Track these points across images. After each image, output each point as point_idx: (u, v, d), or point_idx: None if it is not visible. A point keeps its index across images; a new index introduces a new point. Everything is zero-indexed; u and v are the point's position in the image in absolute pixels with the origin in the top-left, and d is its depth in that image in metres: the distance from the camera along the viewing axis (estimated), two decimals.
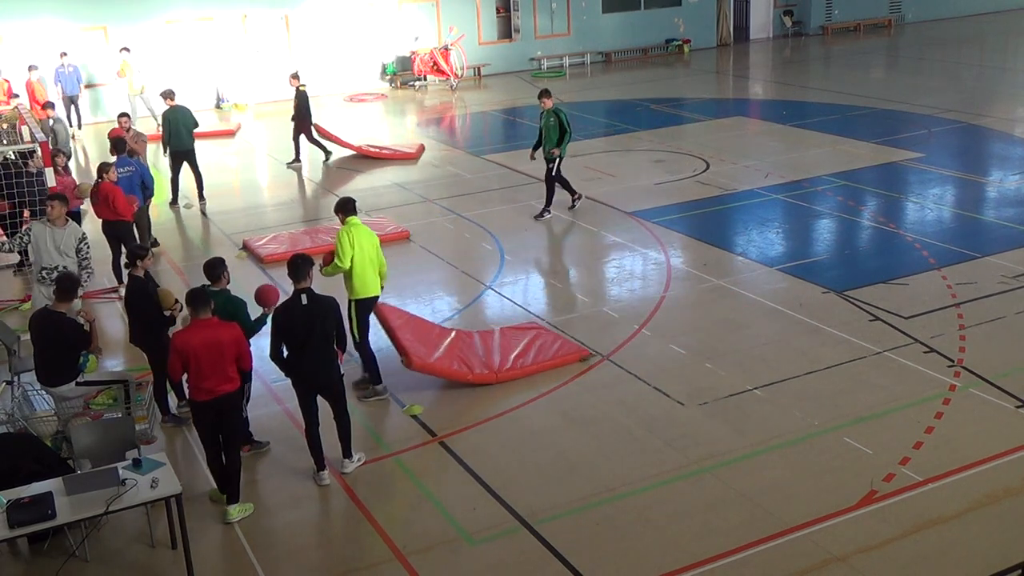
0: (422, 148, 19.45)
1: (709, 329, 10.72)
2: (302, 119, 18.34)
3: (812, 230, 14.09)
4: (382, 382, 9.57)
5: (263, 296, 8.55)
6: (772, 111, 22.14)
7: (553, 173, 14.64)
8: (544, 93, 14.69)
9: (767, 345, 10.21)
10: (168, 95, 16.18)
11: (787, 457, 8.16)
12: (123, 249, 12.27)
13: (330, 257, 9.35)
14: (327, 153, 18.97)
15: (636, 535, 7.25)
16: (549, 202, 14.76)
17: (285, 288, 9.98)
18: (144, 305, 8.83)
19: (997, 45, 30.92)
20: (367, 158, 19.08)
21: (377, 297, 9.56)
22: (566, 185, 14.86)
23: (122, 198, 12.18)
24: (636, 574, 6.84)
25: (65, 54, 22.58)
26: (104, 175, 12.18)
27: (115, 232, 12.37)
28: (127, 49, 22.79)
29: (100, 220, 12.49)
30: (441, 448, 8.60)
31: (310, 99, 18.36)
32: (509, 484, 7.96)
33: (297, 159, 18.89)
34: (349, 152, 19.37)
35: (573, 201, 14.93)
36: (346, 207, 9.47)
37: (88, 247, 10.39)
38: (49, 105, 17.89)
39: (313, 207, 16.41)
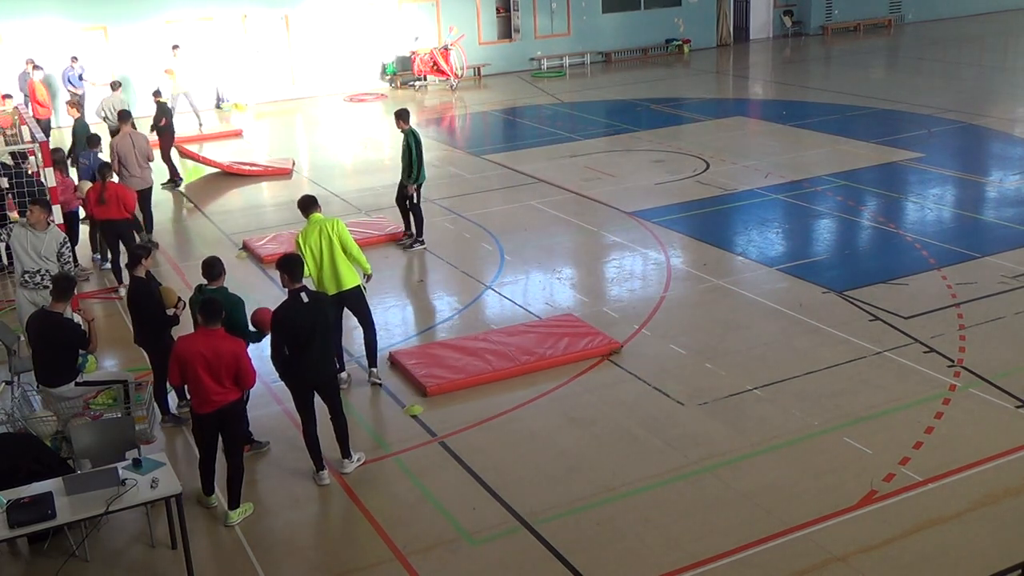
0: (293, 163, 18.99)
1: (709, 329, 10.72)
2: (168, 136, 17.70)
3: (812, 230, 14.09)
4: (345, 369, 9.80)
5: (261, 321, 8.49)
6: (772, 111, 22.14)
7: (414, 201, 13.53)
8: (399, 114, 13.30)
9: (767, 345, 10.21)
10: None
11: (787, 457, 8.16)
12: (122, 249, 12.33)
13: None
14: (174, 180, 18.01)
15: (636, 535, 7.24)
16: (419, 231, 13.79)
17: (279, 286, 9.98)
18: (147, 305, 8.83)
19: (997, 45, 30.92)
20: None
21: (343, 292, 9.35)
22: (418, 218, 13.70)
23: (131, 195, 12.32)
24: (636, 574, 6.84)
25: (76, 58, 22.72)
26: (107, 175, 12.24)
27: (117, 230, 12.40)
28: (177, 47, 22.83)
29: (85, 221, 12.59)
30: (441, 448, 8.60)
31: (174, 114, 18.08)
32: (509, 484, 7.96)
33: (173, 179, 17.97)
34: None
35: (412, 239, 13.75)
36: (301, 206, 9.57)
37: (70, 251, 10.18)
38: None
39: None
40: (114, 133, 16.07)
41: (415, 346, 10.53)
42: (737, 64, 29.89)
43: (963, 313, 10.69)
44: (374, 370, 9.80)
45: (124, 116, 14.69)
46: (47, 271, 9.76)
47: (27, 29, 23.70)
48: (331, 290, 9.35)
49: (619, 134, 20.46)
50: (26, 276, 9.82)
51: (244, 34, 25.90)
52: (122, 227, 12.35)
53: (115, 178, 12.40)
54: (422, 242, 13.82)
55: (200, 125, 22.59)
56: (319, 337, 7.85)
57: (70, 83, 22.61)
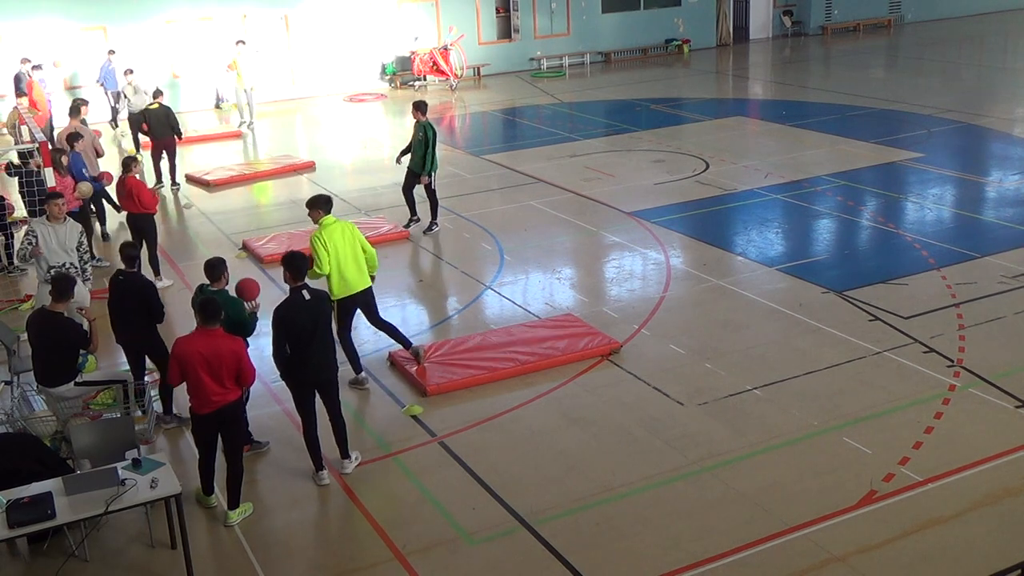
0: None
1: (709, 329, 10.72)
2: (161, 138, 17.34)
3: (812, 230, 14.09)
4: (362, 371, 9.88)
5: (246, 290, 8.54)
6: (772, 111, 22.14)
7: (432, 187, 14.09)
8: (417, 105, 13.94)
9: (767, 345, 10.21)
10: (80, 105, 15.97)
11: (787, 457, 8.16)
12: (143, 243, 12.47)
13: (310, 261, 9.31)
14: (161, 182, 17.61)
15: (636, 535, 7.24)
16: (435, 212, 14.39)
17: (282, 288, 9.94)
18: (147, 300, 8.81)
19: (997, 45, 30.92)
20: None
21: (363, 291, 9.58)
22: (434, 203, 14.30)
23: (147, 192, 12.43)
24: (636, 574, 6.84)
25: (113, 52, 22.90)
26: (131, 168, 12.32)
27: (135, 224, 12.50)
28: (242, 42, 22.76)
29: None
30: (441, 448, 8.60)
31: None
32: (509, 484, 7.96)
33: (174, 182, 17.68)
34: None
35: (429, 223, 14.31)
36: (317, 204, 9.52)
37: (87, 242, 10.49)
38: (128, 71, 19.68)
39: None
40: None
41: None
42: (737, 64, 29.89)
43: (963, 313, 10.69)
44: (415, 345, 10.04)
45: (73, 111, 15.26)
46: (71, 264, 10.10)
47: (26, 29, 23.69)
48: (339, 294, 9.40)
49: (619, 134, 20.46)
50: (52, 271, 9.96)
51: (244, 34, 25.86)
52: (140, 221, 12.45)
53: (138, 172, 12.56)
54: (437, 224, 14.40)
55: (250, 124, 22.75)
56: (320, 335, 7.86)
57: (106, 79, 22.68)
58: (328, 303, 8.06)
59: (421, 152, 13.83)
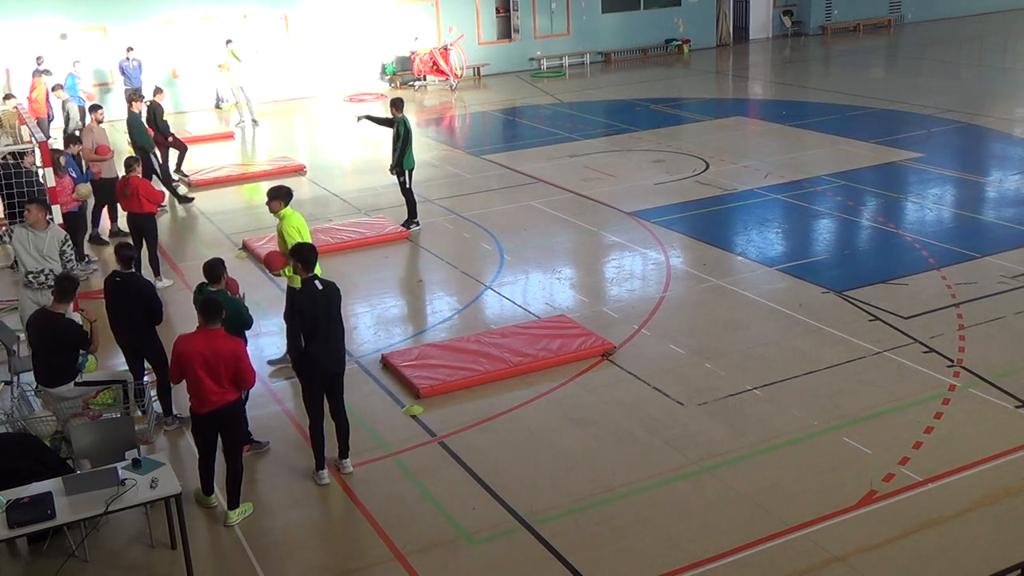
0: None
1: (709, 329, 10.72)
2: (161, 136, 17.12)
3: (812, 230, 14.09)
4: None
5: (271, 261, 8.64)
6: (772, 111, 22.13)
7: (407, 186, 14.35)
8: (393, 103, 14.39)
9: (767, 345, 10.21)
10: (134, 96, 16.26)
11: (787, 457, 8.16)
12: (143, 243, 12.51)
13: (280, 259, 9.25)
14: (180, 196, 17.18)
15: (636, 535, 7.24)
16: (412, 213, 14.54)
17: (281, 288, 9.90)
18: (144, 299, 8.80)
19: (997, 45, 30.91)
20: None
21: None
22: (410, 201, 14.48)
23: (152, 190, 12.44)
24: (635, 574, 6.84)
25: (131, 48, 23.06)
26: (134, 168, 12.34)
27: (137, 224, 12.53)
28: (231, 41, 22.89)
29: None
30: (441, 448, 8.60)
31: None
32: (509, 484, 7.96)
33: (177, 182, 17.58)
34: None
35: (408, 223, 14.45)
36: (280, 195, 9.57)
37: (72, 249, 10.11)
38: (57, 87, 19.36)
39: (312, 207, 16.37)
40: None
41: (407, 348, 10.50)
42: (737, 64, 29.89)
43: (963, 313, 10.69)
44: None
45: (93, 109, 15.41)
46: (51, 271, 9.75)
47: (26, 29, 23.67)
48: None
49: (619, 134, 20.45)
50: (29, 276, 9.81)
51: (244, 34, 25.86)
52: (142, 221, 12.44)
53: (139, 171, 12.51)
54: (417, 223, 14.52)
55: (254, 122, 22.85)
56: (334, 324, 7.89)
57: (123, 74, 22.76)
58: (340, 293, 8.09)
59: (395, 146, 14.19)
